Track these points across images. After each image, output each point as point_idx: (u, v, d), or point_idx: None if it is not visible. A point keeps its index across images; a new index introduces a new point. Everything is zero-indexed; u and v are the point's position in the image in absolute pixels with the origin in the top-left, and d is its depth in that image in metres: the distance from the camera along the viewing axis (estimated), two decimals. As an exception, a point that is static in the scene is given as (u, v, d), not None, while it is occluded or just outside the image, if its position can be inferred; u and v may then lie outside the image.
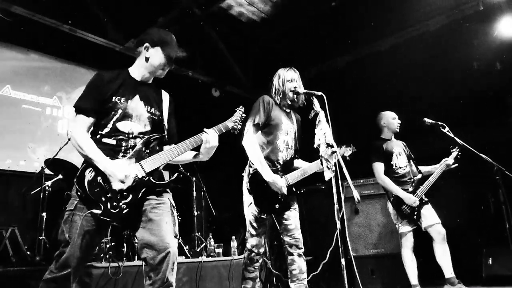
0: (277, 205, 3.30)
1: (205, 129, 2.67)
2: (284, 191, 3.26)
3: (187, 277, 4.38)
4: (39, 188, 4.83)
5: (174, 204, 2.61)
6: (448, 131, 4.45)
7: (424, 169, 4.69)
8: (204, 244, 5.42)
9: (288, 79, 3.47)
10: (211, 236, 5.51)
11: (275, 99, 3.51)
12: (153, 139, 2.56)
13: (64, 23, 5.34)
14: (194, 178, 5.87)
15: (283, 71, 3.52)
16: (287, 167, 3.41)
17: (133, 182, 2.38)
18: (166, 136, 2.67)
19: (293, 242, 3.33)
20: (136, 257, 4.38)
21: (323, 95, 3.03)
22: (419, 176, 4.58)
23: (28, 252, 4.54)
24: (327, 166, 2.98)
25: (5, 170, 5.35)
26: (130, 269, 3.90)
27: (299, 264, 3.29)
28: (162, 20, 5.70)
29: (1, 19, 4.98)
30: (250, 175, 3.31)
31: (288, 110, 3.60)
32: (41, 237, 4.53)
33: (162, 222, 2.43)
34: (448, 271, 4.32)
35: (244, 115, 2.86)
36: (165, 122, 2.70)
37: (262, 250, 3.33)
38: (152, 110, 2.62)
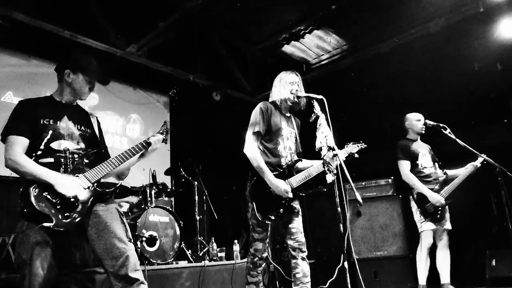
0: (281, 210, 3.30)
1: (152, 135, 2.91)
2: (290, 195, 3.26)
3: (190, 282, 4.38)
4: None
5: (122, 212, 2.70)
6: (449, 132, 4.45)
7: (450, 172, 4.72)
8: (206, 248, 5.41)
9: (290, 81, 3.48)
10: (213, 240, 5.50)
11: (275, 103, 3.52)
12: (91, 153, 2.65)
13: (65, 29, 5.35)
14: (196, 182, 5.88)
15: (285, 74, 3.53)
16: (290, 172, 3.41)
17: (80, 192, 2.45)
18: (102, 151, 2.77)
19: (297, 246, 3.33)
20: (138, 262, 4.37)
21: (324, 99, 3.04)
22: (444, 177, 4.62)
23: (31, 258, 4.52)
24: (328, 169, 2.98)
25: (7, 176, 5.33)
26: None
27: (302, 267, 3.28)
28: (162, 24, 5.71)
29: (2, 25, 5.00)
30: (252, 182, 3.31)
31: (288, 115, 3.61)
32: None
33: (114, 229, 2.52)
34: (446, 277, 4.44)
35: (167, 128, 3.13)
36: (98, 138, 2.80)
37: (265, 254, 3.34)
38: (83, 128, 2.72)
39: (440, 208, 4.43)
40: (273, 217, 3.31)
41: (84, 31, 5.58)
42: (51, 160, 2.50)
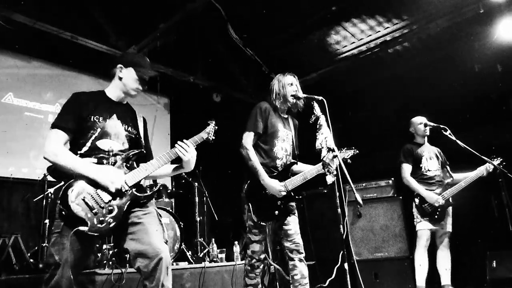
0: (277, 212, 3.30)
1: (178, 142, 2.75)
2: (283, 193, 3.26)
3: (190, 283, 4.37)
4: (42, 195, 4.84)
5: (159, 213, 2.67)
6: (450, 133, 4.44)
7: (457, 176, 4.72)
8: (207, 249, 5.41)
9: (288, 83, 3.48)
10: (213, 241, 5.50)
11: (274, 104, 3.52)
12: (132, 154, 2.63)
13: (65, 30, 5.36)
14: (196, 184, 5.88)
15: (282, 76, 3.54)
16: (286, 174, 3.41)
17: (117, 197, 2.44)
18: (144, 152, 2.74)
19: (294, 247, 3.32)
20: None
21: (324, 100, 3.04)
22: (450, 180, 4.64)
23: (31, 260, 4.53)
24: (328, 170, 2.99)
25: (8, 177, 5.36)
26: (133, 276, 3.89)
27: (300, 269, 3.28)
28: (163, 26, 5.72)
29: (3, 27, 5.01)
30: (248, 183, 3.31)
31: (285, 116, 3.61)
32: (44, 245, 4.53)
33: (151, 230, 2.49)
34: (446, 278, 4.44)
35: (216, 127, 2.95)
36: (143, 140, 2.79)
37: (262, 256, 3.33)
38: (130, 128, 2.72)
39: (439, 209, 4.43)
40: (269, 219, 3.31)
41: (85, 33, 5.59)
42: (95, 160, 2.49)
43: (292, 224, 3.38)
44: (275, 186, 3.24)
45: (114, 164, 2.53)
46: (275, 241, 5.42)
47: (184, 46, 6.48)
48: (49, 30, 5.29)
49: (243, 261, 5.03)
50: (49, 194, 4.84)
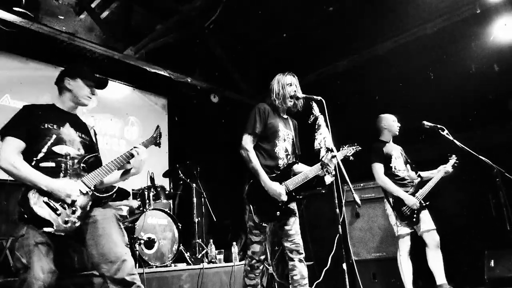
0: (278, 212, 3.29)
1: (135, 145, 2.86)
2: (284, 198, 3.25)
3: (188, 284, 4.37)
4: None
5: (118, 217, 2.75)
6: (447, 133, 4.46)
7: (423, 174, 4.71)
8: (205, 250, 5.41)
9: (288, 83, 3.49)
10: (212, 243, 5.50)
11: (273, 105, 3.52)
12: (89, 157, 2.72)
13: (62, 32, 5.35)
14: (194, 185, 5.87)
15: (282, 76, 3.54)
16: (287, 174, 3.40)
17: (78, 196, 2.50)
18: (99, 158, 2.85)
19: (294, 248, 3.32)
20: (137, 265, 4.36)
21: (323, 100, 3.05)
22: (418, 179, 4.61)
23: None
24: (327, 170, 2.99)
25: (5, 180, 5.32)
26: (131, 277, 3.88)
27: (300, 269, 3.28)
28: (160, 27, 5.72)
29: (0, 29, 4.99)
30: (249, 184, 3.31)
31: (285, 116, 3.61)
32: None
33: (111, 234, 2.56)
34: (440, 277, 4.37)
35: (161, 132, 3.13)
36: (96, 147, 2.91)
37: (263, 257, 3.33)
38: (83, 135, 2.82)
39: (416, 211, 4.40)
40: (270, 220, 3.31)
41: (82, 34, 5.58)
42: (52, 164, 2.54)
43: (293, 224, 3.38)
44: (277, 189, 3.23)
45: (71, 166, 2.59)
46: (274, 242, 5.43)
47: (181, 47, 6.47)
48: (46, 32, 5.28)
49: (242, 262, 5.04)
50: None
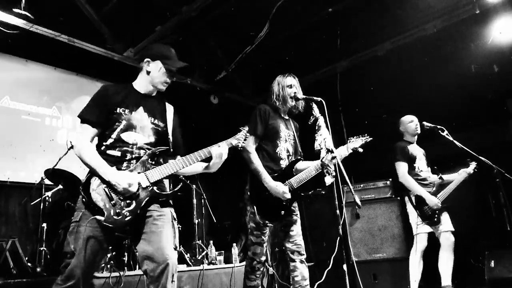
0: (283, 212, 3.29)
1: (219, 143, 2.75)
2: (288, 196, 3.25)
3: (189, 286, 4.37)
4: (39, 199, 4.82)
5: (175, 216, 2.66)
6: (447, 134, 4.46)
7: (444, 176, 4.73)
8: (205, 251, 5.40)
9: (288, 84, 3.50)
10: (212, 244, 5.49)
11: (274, 106, 3.53)
12: (159, 151, 2.62)
13: (62, 34, 5.35)
14: (194, 186, 5.87)
15: (282, 78, 3.55)
16: (289, 173, 3.40)
17: (137, 191, 2.42)
18: (172, 149, 2.73)
19: (295, 248, 3.32)
20: (137, 266, 4.36)
21: (323, 101, 3.05)
22: (440, 181, 4.64)
23: (29, 264, 4.52)
24: (327, 171, 2.99)
25: (5, 181, 5.33)
26: (131, 279, 3.89)
27: (301, 270, 3.27)
28: (160, 29, 5.72)
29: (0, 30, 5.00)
30: (251, 185, 3.31)
31: (286, 117, 3.61)
32: (41, 248, 4.52)
33: (163, 234, 2.47)
34: (447, 279, 4.42)
35: (248, 134, 2.92)
36: (170, 134, 2.76)
37: (263, 258, 3.32)
38: (156, 121, 2.69)
39: (437, 212, 4.43)
40: (274, 220, 3.31)
41: (82, 36, 5.58)
42: (118, 153, 2.49)
43: (295, 225, 3.38)
44: (280, 188, 3.23)
45: (138, 157, 2.52)
46: (274, 244, 5.43)
47: (180, 48, 6.46)
48: (46, 34, 5.28)
49: (242, 263, 5.04)
50: (47, 198, 4.82)
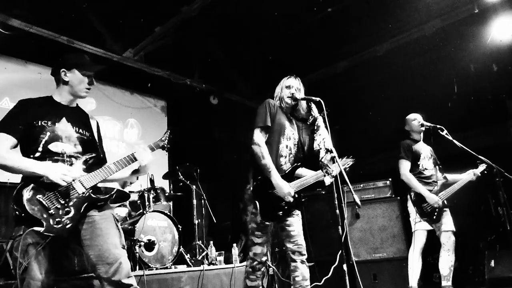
0: (280, 212, 3.28)
1: (138, 146, 2.78)
2: (290, 198, 3.23)
3: (188, 286, 4.36)
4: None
5: (117, 218, 2.69)
6: (446, 133, 4.46)
7: (450, 176, 4.73)
8: (205, 252, 5.40)
9: (287, 85, 3.50)
10: (212, 244, 5.49)
11: (279, 104, 3.54)
12: (90, 157, 2.63)
13: (61, 35, 5.36)
14: (194, 186, 5.87)
15: (284, 79, 3.56)
16: (291, 176, 3.37)
17: (74, 198, 2.43)
18: (101, 155, 2.75)
19: (296, 249, 3.31)
20: (137, 267, 4.36)
21: (321, 101, 3.04)
22: (444, 180, 4.63)
23: (29, 264, 4.51)
24: (326, 171, 2.99)
25: (5, 182, 5.33)
26: (131, 279, 3.88)
27: (302, 271, 3.27)
28: (159, 29, 5.72)
29: (-1, 32, 5.01)
30: (255, 183, 3.28)
31: (290, 117, 3.60)
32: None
33: (108, 235, 2.50)
34: (448, 279, 4.40)
35: (171, 136, 3.01)
36: (97, 142, 2.78)
37: (264, 258, 3.31)
38: (81, 130, 2.70)
39: (437, 210, 4.43)
40: (273, 219, 3.30)
41: (81, 37, 5.59)
42: (49, 163, 2.47)
43: (295, 225, 3.36)
44: (286, 189, 3.20)
45: (71, 165, 2.52)
46: (274, 244, 5.42)
47: (180, 48, 6.48)
48: (45, 35, 5.28)
49: (242, 264, 5.04)
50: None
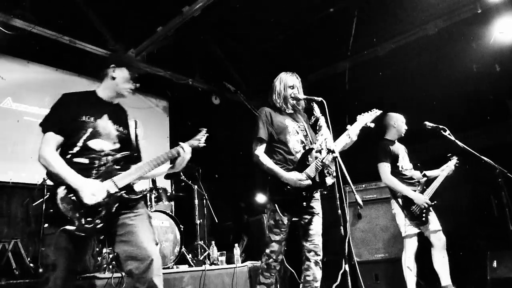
0: (305, 203, 3.26)
1: (181, 143, 2.79)
2: (306, 182, 3.19)
3: (190, 286, 4.36)
4: (41, 200, 4.83)
5: (150, 214, 2.68)
6: (449, 134, 4.44)
7: (428, 173, 4.68)
8: (207, 252, 5.40)
9: (290, 85, 3.49)
10: (214, 244, 5.49)
11: (274, 105, 3.53)
12: (123, 156, 2.63)
13: (63, 35, 5.37)
14: (196, 186, 5.87)
15: (285, 75, 3.55)
16: (303, 164, 3.32)
17: (105, 197, 2.43)
18: (135, 154, 2.75)
19: (312, 248, 3.30)
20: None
21: (323, 101, 3.04)
22: (425, 179, 4.58)
23: (31, 264, 4.53)
24: (328, 171, 2.99)
25: (7, 182, 5.35)
26: (133, 279, 3.88)
27: (314, 271, 3.25)
28: (161, 29, 5.73)
29: (1, 32, 5.01)
30: (269, 185, 3.28)
31: (291, 111, 3.58)
32: (43, 249, 4.52)
33: (141, 232, 2.49)
34: (446, 279, 4.33)
35: (207, 134, 3.01)
36: (133, 140, 2.79)
37: (280, 257, 3.29)
38: (120, 128, 2.73)
39: (424, 211, 4.36)
40: (298, 213, 3.28)
41: (83, 37, 5.60)
42: (86, 161, 2.49)
43: (315, 224, 3.35)
44: (294, 177, 3.19)
45: (105, 164, 2.53)
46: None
47: (182, 49, 6.48)
48: (47, 35, 5.29)
49: (243, 264, 5.04)
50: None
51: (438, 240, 4.35)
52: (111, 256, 4.13)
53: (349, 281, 2.75)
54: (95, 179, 2.47)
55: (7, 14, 4.95)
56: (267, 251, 3.29)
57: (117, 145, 2.65)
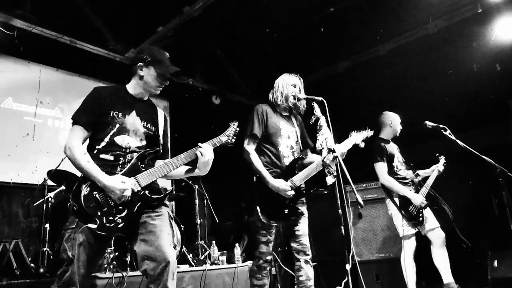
0: (286, 210, 3.28)
1: (199, 144, 2.72)
2: (290, 193, 3.24)
3: (191, 286, 4.36)
4: (42, 200, 4.83)
5: (172, 216, 2.66)
6: (449, 133, 4.43)
7: (421, 172, 4.69)
8: (207, 252, 5.40)
9: (292, 83, 3.52)
10: (214, 244, 5.49)
11: (273, 104, 3.54)
12: (148, 153, 2.62)
13: (64, 35, 5.37)
14: (196, 186, 5.87)
15: (287, 76, 3.57)
16: (291, 170, 3.38)
17: (130, 196, 2.42)
18: (161, 151, 2.73)
19: (300, 248, 3.32)
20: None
21: (324, 101, 3.05)
22: (419, 178, 4.58)
23: (32, 264, 4.53)
24: (329, 171, 2.99)
25: (8, 182, 5.35)
26: (134, 279, 3.89)
27: (306, 271, 3.27)
28: (161, 29, 5.73)
29: (2, 32, 5.01)
30: (256, 186, 3.30)
31: (286, 114, 3.61)
32: (44, 249, 4.53)
33: (161, 233, 2.48)
34: (447, 276, 4.30)
35: (238, 129, 2.89)
36: (161, 138, 2.76)
37: (269, 257, 3.31)
38: (148, 125, 2.70)
39: (421, 211, 4.35)
40: (279, 219, 3.30)
41: (83, 37, 5.60)
42: (111, 157, 2.48)
43: (301, 225, 3.37)
44: (281, 186, 3.22)
45: (130, 161, 2.52)
46: (277, 244, 5.41)
47: (182, 49, 6.48)
48: (48, 35, 5.30)
49: (244, 264, 5.04)
50: (49, 199, 4.83)
51: (437, 238, 4.33)
52: (112, 256, 4.13)
53: (350, 281, 2.75)
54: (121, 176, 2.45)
55: (8, 14, 4.95)
56: (256, 253, 3.32)
57: (144, 142, 2.64)
